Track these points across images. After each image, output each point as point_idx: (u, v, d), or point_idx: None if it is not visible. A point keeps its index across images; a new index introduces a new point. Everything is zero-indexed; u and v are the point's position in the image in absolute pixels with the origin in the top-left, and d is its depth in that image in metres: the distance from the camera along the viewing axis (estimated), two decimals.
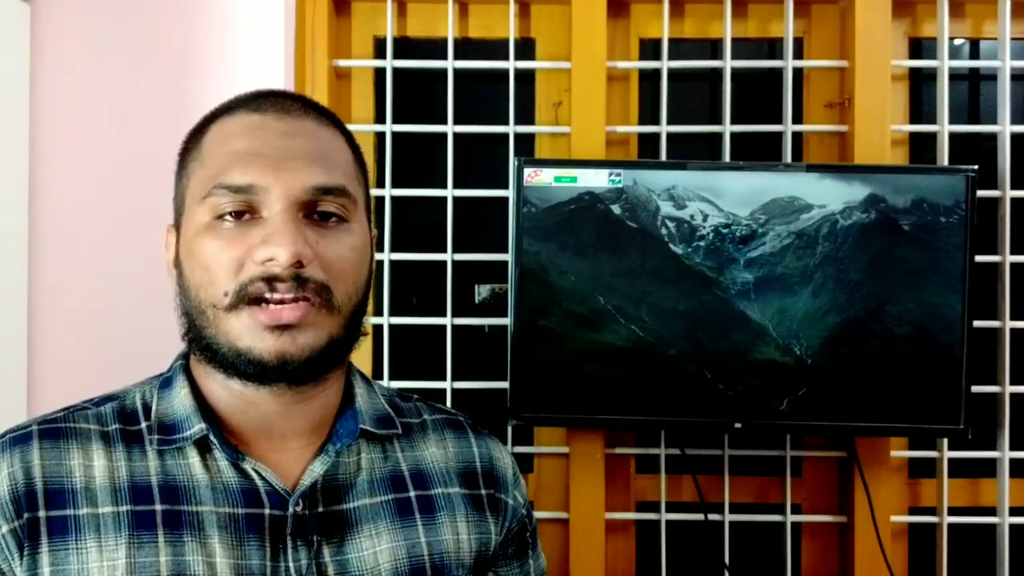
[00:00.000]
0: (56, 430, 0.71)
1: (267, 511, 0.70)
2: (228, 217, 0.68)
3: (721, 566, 1.47)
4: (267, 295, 0.66)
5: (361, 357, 1.54)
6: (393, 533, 0.73)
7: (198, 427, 0.70)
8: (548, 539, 1.52)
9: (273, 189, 0.67)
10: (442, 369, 1.48)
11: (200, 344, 0.70)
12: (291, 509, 0.70)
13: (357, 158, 0.76)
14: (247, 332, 0.67)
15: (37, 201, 1.37)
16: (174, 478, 0.69)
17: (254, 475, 0.70)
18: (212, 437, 0.70)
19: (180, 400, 0.72)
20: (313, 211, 0.69)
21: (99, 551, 0.66)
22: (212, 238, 0.68)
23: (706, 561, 1.53)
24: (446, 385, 1.48)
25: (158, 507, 0.68)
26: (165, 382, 0.75)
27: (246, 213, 0.68)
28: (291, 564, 0.69)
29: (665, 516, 1.47)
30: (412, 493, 0.76)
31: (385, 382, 1.47)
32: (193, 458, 0.70)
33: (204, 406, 0.72)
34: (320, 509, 0.71)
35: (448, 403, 1.47)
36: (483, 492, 0.80)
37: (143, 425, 0.72)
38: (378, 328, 1.51)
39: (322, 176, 0.69)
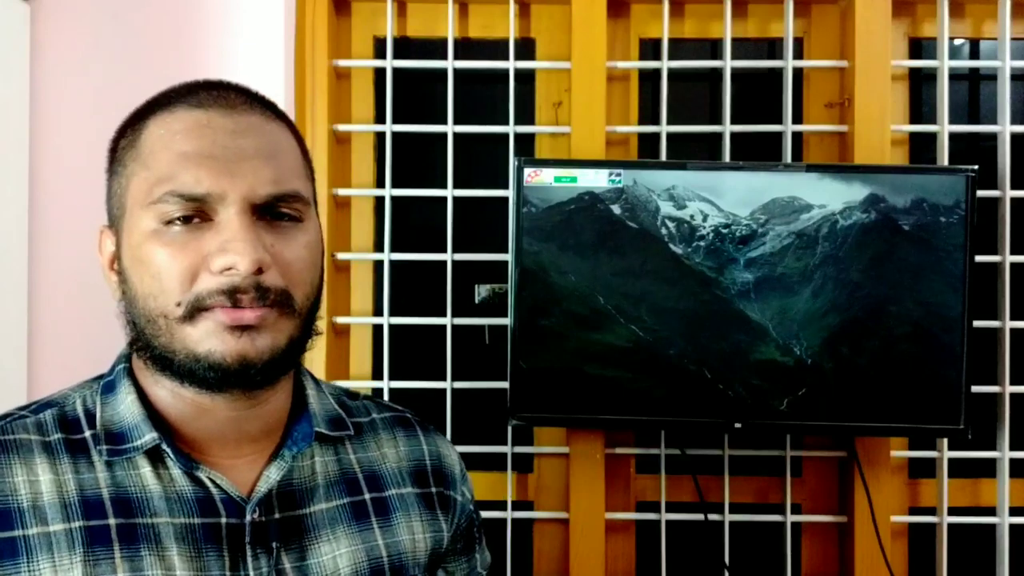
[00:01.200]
0: None
1: (224, 520, 0.67)
2: (176, 222, 0.64)
3: (721, 566, 1.47)
4: (226, 305, 0.63)
5: (361, 357, 1.54)
6: (351, 537, 0.72)
7: (149, 436, 0.67)
8: (548, 539, 1.52)
9: (228, 195, 0.64)
10: (442, 369, 1.48)
11: (151, 353, 0.66)
12: (248, 517, 0.68)
13: (303, 150, 0.73)
14: (206, 336, 0.64)
15: (37, 200, 1.37)
16: (126, 490, 0.66)
17: (209, 484, 0.68)
18: (165, 446, 0.67)
19: (127, 407, 0.69)
20: (267, 212, 0.66)
21: (53, 571, 0.63)
22: (161, 245, 0.64)
23: (706, 561, 1.53)
24: (446, 385, 1.48)
25: (112, 521, 0.65)
26: (108, 386, 0.71)
27: (195, 217, 0.64)
28: (251, 572, 0.67)
29: (665, 516, 1.47)
30: (367, 496, 0.75)
31: (385, 382, 1.47)
32: (144, 468, 0.67)
33: (153, 413, 0.69)
34: (277, 516, 0.70)
35: (448, 403, 1.47)
36: (433, 490, 0.80)
37: (87, 434, 0.68)
38: (378, 328, 1.51)
39: (276, 183, 0.66)
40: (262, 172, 0.65)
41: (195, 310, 0.64)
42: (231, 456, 0.71)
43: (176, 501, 0.67)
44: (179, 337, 0.64)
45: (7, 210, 1.32)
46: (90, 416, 0.69)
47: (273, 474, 0.70)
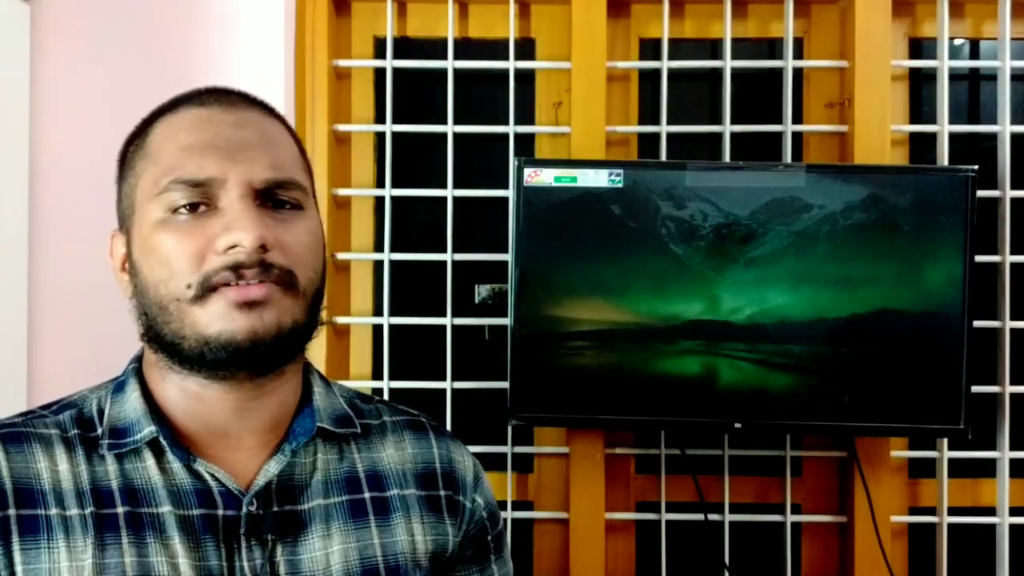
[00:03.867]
0: (18, 434, 0.71)
1: (221, 512, 0.69)
2: (183, 210, 0.67)
3: (721, 566, 1.47)
4: (233, 282, 0.66)
5: (361, 357, 1.54)
6: (345, 534, 0.73)
7: (148, 429, 0.70)
8: (548, 539, 1.52)
9: (229, 179, 0.67)
10: (442, 369, 1.48)
11: (162, 341, 0.69)
12: (244, 509, 0.70)
13: (301, 149, 0.77)
14: (216, 317, 0.66)
15: (37, 201, 1.37)
16: (132, 481, 0.70)
17: (207, 476, 0.70)
18: (162, 439, 0.70)
19: (131, 403, 0.72)
20: (267, 200, 0.69)
21: (68, 551, 0.66)
22: (169, 232, 0.67)
23: (706, 561, 1.53)
24: (446, 385, 1.48)
25: (120, 509, 0.68)
26: (118, 386, 0.75)
27: (201, 205, 0.67)
28: (246, 564, 0.69)
29: (665, 516, 1.47)
30: (367, 495, 0.76)
31: (385, 382, 1.47)
32: (149, 461, 0.70)
33: (155, 408, 0.72)
34: (275, 509, 0.71)
35: (448, 403, 1.47)
36: (441, 493, 0.80)
37: (99, 431, 0.72)
38: (378, 328, 1.51)
39: (275, 169, 0.69)
40: (261, 159, 0.69)
41: (205, 290, 0.66)
42: (233, 450, 0.72)
43: (177, 493, 0.70)
44: (190, 321, 0.67)
45: (7, 210, 1.32)
46: (101, 414, 0.73)
47: (272, 468, 0.72)
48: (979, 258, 1.34)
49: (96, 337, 1.36)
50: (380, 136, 1.53)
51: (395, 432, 0.81)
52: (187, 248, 0.66)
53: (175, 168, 0.68)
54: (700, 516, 1.46)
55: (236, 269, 0.66)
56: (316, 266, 0.72)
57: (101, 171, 1.36)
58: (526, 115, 1.54)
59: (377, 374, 1.52)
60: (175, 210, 0.67)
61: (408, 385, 1.49)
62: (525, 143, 1.54)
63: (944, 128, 1.45)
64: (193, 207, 0.67)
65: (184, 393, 0.71)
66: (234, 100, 0.72)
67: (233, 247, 0.66)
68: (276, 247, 0.68)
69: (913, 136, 1.53)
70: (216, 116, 0.70)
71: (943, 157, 1.45)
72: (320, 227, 0.74)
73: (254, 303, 0.66)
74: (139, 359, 0.75)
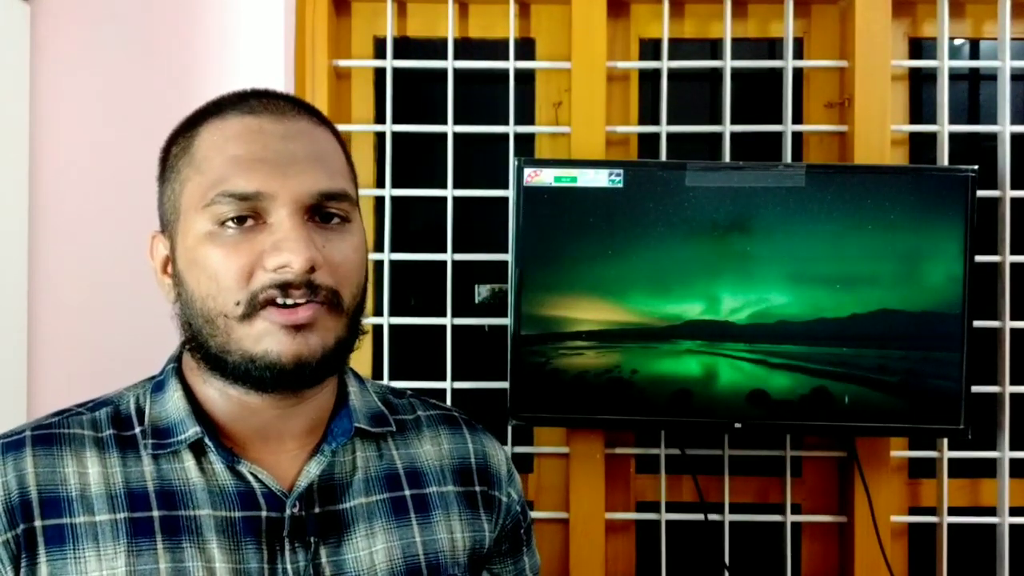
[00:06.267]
0: (50, 436, 0.69)
1: (264, 513, 0.69)
2: (231, 223, 0.66)
3: (721, 566, 1.47)
4: (280, 300, 0.66)
5: (361, 357, 1.54)
6: (388, 533, 0.73)
7: (193, 430, 0.69)
8: (548, 539, 1.52)
9: (280, 195, 0.66)
10: (442, 369, 1.48)
11: (206, 353, 0.69)
12: (288, 511, 0.70)
13: (348, 157, 0.76)
14: (264, 336, 0.66)
15: (37, 201, 1.37)
16: (170, 483, 0.69)
17: (250, 478, 0.70)
18: (207, 440, 0.69)
19: (173, 403, 0.71)
20: (316, 213, 0.69)
21: (98, 559, 0.65)
22: (217, 246, 0.66)
23: (706, 561, 1.53)
24: (446, 385, 1.48)
25: (155, 513, 0.67)
26: (157, 386, 0.74)
27: (249, 219, 0.66)
28: (289, 566, 0.68)
29: (665, 516, 1.47)
30: (407, 492, 0.76)
31: (385, 382, 1.47)
32: (188, 462, 0.70)
33: (198, 409, 0.71)
34: (317, 510, 0.71)
35: (448, 403, 1.47)
36: (477, 489, 0.80)
37: (137, 430, 0.71)
38: (378, 328, 1.51)
39: (326, 181, 0.68)
40: (311, 174, 0.68)
41: (252, 308, 0.66)
42: (274, 452, 0.73)
43: (218, 494, 0.69)
44: (235, 337, 0.67)
45: (7, 210, 1.32)
46: (140, 413, 0.72)
47: (313, 469, 0.72)
48: (979, 258, 1.34)
49: (96, 337, 1.36)
50: (380, 136, 1.53)
51: (431, 427, 0.82)
52: (235, 264, 0.66)
53: (223, 180, 0.66)
54: (700, 516, 1.46)
55: (283, 288, 0.65)
56: (360, 281, 0.72)
57: (101, 171, 1.37)
58: (526, 115, 1.54)
59: (377, 374, 1.52)
60: (223, 223, 0.66)
61: (408, 385, 1.48)
62: (525, 143, 1.54)
63: (944, 128, 1.45)
64: (241, 220, 0.66)
65: (226, 397, 0.71)
66: (284, 108, 0.71)
67: (283, 267, 0.65)
68: (323, 266, 0.67)
69: (913, 136, 1.53)
70: (267, 126, 0.68)
71: (943, 157, 1.45)
72: (364, 240, 0.73)
73: (300, 326, 0.66)
74: (178, 359, 0.75)
